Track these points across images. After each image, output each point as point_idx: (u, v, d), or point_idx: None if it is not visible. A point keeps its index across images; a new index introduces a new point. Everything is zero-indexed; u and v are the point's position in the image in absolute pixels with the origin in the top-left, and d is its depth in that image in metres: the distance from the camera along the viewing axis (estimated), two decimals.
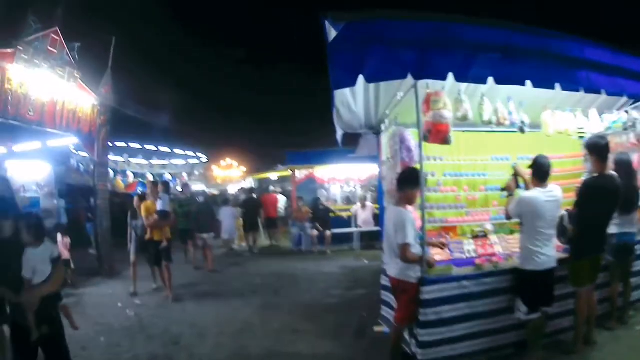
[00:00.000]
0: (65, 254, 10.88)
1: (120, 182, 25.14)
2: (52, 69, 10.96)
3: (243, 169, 40.11)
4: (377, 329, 7.27)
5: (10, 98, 9.70)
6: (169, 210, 9.97)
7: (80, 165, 19.97)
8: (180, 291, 10.69)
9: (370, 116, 8.42)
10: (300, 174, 18.03)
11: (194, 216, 13.17)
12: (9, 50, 9.61)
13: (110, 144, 32.17)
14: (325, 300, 9.36)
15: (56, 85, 11.22)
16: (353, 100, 7.63)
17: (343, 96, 7.28)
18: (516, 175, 6.29)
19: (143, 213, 10.15)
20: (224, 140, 38.11)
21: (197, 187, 34.39)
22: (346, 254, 14.94)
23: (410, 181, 5.80)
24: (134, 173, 29.74)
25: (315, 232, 15.72)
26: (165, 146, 34.61)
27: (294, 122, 37.63)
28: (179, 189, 19.02)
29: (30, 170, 11.14)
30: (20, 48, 9.79)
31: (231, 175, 40.66)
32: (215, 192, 31.25)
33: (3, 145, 12.43)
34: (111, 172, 27.27)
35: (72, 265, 11.33)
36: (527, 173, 6.10)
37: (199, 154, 40.48)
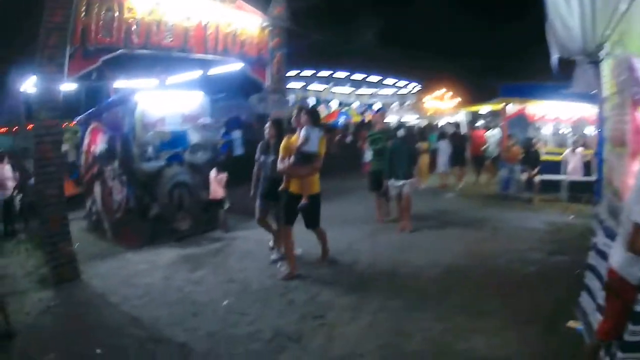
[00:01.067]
0: (219, 192, 9.31)
1: (322, 110, 22.61)
2: None
3: (456, 100, 33.69)
4: (570, 323, 5.00)
5: (135, 27, 8.29)
6: (316, 152, 6.55)
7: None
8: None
9: (587, 36, 5.85)
10: (512, 109, 14.32)
11: (387, 156, 9.26)
12: None
13: (310, 73, 29.77)
14: (521, 268, 7.03)
15: (204, 8, 9.41)
16: (567, 10, 5.57)
17: (556, 4, 5.42)
18: None
19: (280, 151, 6.78)
20: (436, 69, 31.10)
21: (407, 117, 29.93)
22: (552, 205, 11.82)
23: None
24: (339, 102, 26.79)
25: (524, 176, 12.76)
26: (375, 74, 30.45)
27: (510, 49, 29.41)
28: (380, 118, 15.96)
29: (176, 102, 9.39)
30: None
31: (443, 107, 34.26)
32: (422, 124, 26.22)
33: (154, 77, 11.08)
34: (313, 101, 26.22)
35: (226, 205, 9.50)
36: None
37: (411, 84, 35.49)
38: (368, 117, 23.81)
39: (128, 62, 10.69)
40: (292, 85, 25.48)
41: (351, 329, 5.11)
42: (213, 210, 9.48)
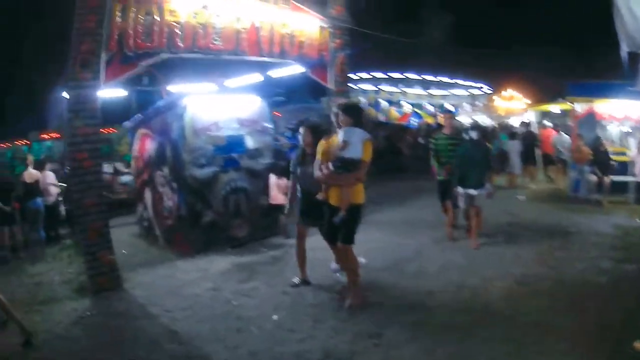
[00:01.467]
0: (279, 199, 8.41)
1: (394, 112, 21.36)
2: None
3: (526, 100, 31.04)
4: (637, 344, 4.32)
5: (178, 30, 7.44)
6: (358, 158, 5.20)
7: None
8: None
9: None
10: (581, 108, 13.07)
11: (457, 162, 7.73)
12: None
13: (384, 75, 27.56)
14: (592, 276, 6.39)
15: (255, 10, 8.43)
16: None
17: None
18: None
19: (319, 155, 5.58)
20: (506, 69, 28.64)
21: (478, 118, 27.64)
22: (620, 207, 10.98)
23: None
24: (411, 104, 25.04)
25: (594, 178, 11.94)
26: (445, 76, 28.33)
27: (581, 48, 25.89)
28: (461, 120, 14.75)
29: (231, 106, 8.73)
30: None
31: (512, 107, 31.74)
32: (494, 124, 24.32)
33: (211, 81, 10.13)
34: (384, 103, 24.85)
35: (286, 210, 8.52)
36: None
37: (481, 85, 32.94)
38: (440, 118, 22.82)
39: (182, 66, 9.94)
40: (363, 86, 24.55)
41: (409, 351, 4.49)
42: (273, 216, 8.85)
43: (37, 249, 9.48)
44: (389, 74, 24.23)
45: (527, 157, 14.34)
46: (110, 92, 9.69)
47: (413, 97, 27.25)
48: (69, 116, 6.58)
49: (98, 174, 6.90)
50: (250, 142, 8.73)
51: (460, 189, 7.61)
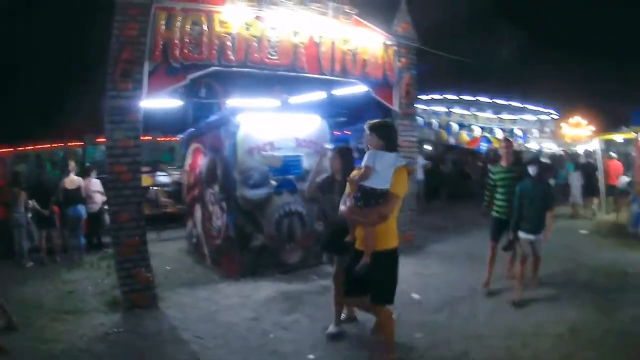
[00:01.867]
0: None
1: (464, 136, 20.18)
2: (302, 5, 7.42)
3: (591, 128, 27.94)
4: None
5: (230, 43, 6.77)
6: (385, 190, 3.97)
7: (419, 118, 15.95)
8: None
9: None
10: None
11: (516, 201, 6.21)
12: None
13: (455, 97, 26.50)
14: None
15: (314, 23, 7.62)
16: None
17: None
18: None
19: (347, 185, 4.32)
20: (575, 94, 25.73)
21: (546, 144, 25.33)
22: None
23: None
24: (481, 127, 23.50)
25: None
26: (516, 100, 26.33)
27: None
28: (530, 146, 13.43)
29: (289, 125, 7.92)
30: None
31: (579, 134, 28.76)
32: (561, 152, 22.07)
33: (274, 97, 9.25)
34: (455, 126, 23.42)
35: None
36: None
37: (550, 111, 30.22)
38: (499, 146, 21.34)
39: (242, 80, 9.22)
40: (435, 108, 23.42)
41: None
42: None
43: (75, 255, 9.14)
44: (461, 96, 22.93)
45: (588, 188, 13.39)
46: (167, 103, 9.16)
47: (483, 121, 25.78)
48: (108, 127, 6.08)
49: (137, 188, 6.35)
50: (307, 164, 7.87)
51: (520, 234, 6.21)
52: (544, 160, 13.81)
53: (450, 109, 23.93)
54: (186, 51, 6.38)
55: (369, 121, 4.15)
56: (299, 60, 7.43)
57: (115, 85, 5.99)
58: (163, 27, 6.24)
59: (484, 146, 20.84)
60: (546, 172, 7.93)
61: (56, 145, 15.52)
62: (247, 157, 7.40)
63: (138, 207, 6.25)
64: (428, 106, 21.60)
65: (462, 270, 7.57)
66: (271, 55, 7.11)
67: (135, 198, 6.26)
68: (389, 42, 8.68)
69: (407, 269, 7.37)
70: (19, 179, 9.48)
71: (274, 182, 7.55)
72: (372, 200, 3.98)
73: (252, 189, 7.40)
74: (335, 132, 22.76)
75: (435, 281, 7.01)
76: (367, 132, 4.12)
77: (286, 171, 7.76)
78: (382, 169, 3.94)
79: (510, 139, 7.41)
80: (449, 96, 23.16)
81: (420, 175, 12.93)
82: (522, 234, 6.20)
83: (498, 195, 6.71)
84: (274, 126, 7.71)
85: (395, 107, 8.95)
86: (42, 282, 7.55)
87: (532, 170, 6.23)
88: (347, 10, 7.91)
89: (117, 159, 6.10)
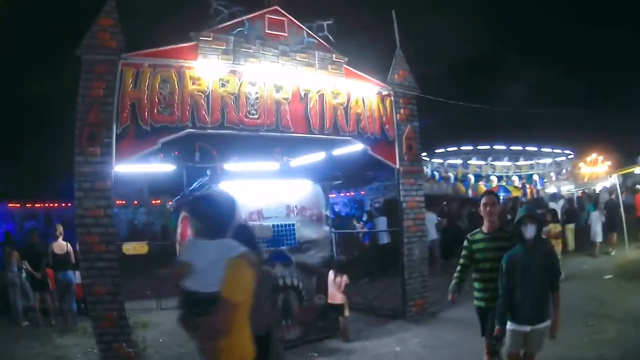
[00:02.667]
0: (337, 297, 7.02)
1: (482, 187, 19.54)
2: (284, 56, 6.88)
3: (607, 163, 27.07)
4: None
5: (204, 102, 6.21)
6: (210, 293, 2.72)
7: (435, 172, 15.50)
8: None
9: None
10: None
11: (503, 278, 4.24)
12: (184, 45, 6.19)
13: (470, 147, 26.01)
14: None
15: (299, 76, 7.03)
16: None
17: None
18: None
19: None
20: (589, 130, 24.23)
21: (564, 187, 24.47)
22: None
23: None
24: (497, 177, 23.00)
25: None
26: (531, 145, 25.61)
27: None
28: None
29: (279, 191, 7.23)
30: (207, 38, 6.22)
31: (597, 171, 27.76)
32: (580, 192, 21.26)
33: (276, 161, 8.64)
34: (472, 178, 22.65)
35: (346, 312, 7.20)
36: None
37: (567, 151, 29.31)
38: (529, 190, 21.45)
39: (238, 142, 8.61)
40: (451, 161, 22.75)
41: None
42: (331, 316, 7.25)
43: (68, 319, 8.68)
44: (477, 146, 22.42)
45: (608, 224, 12.84)
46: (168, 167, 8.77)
47: (500, 170, 25.19)
48: (77, 194, 5.56)
49: (112, 260, 5.75)
50: (302, 233, 7.12)
51: (510, 325, 4.17)
52: (543, 207, 12.98)
53: (467, 161, 23.40)
54: (156, 112, 5.84)
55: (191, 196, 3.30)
56: (283, 118, 6.77)
57: (82, 150, 5.53)
58: (131, 85, 5.76)
59: (502, 196, 19.99)
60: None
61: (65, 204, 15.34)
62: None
63: (114, 280, 5.68)
64: (444, 159, 21.16)
65: (480, 340, 6.52)
66: (251, 114, 6.49)
67: (111, 271, 5.69)
68: (385, 92, 7.97)
69: (418, 340, 6.92)
70: (10, 238, 9.59)
71: (264, 255, 6.73)
72: (197, 309, 2.81)
73: None
74: (331, 195, 22.24)
75: (451, 353, 6.23)
76: (187, 213, 3.17)
77: (278, 242, 6.96)
78: (205, 265, 2.80)
79: (494, 193, 5.30)
80: (465, 147, 22.76)
81: (433, 234, 12.02)
82: (512, 326, 4.16)
83: (478, 275, 4.58)
84: (261, 193, 6.99)
85: (396, 164, 8.04)
86: (33, 344, 7.38)
87: (529, 231, 4.06)
88: (336, 60, 7.29)
89: (87, 228, 5.61)
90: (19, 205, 15.80)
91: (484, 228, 4.56)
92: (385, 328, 7.63)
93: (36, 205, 16.90)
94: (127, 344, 5.77)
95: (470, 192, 20.49)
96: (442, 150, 21.27)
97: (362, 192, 20.49)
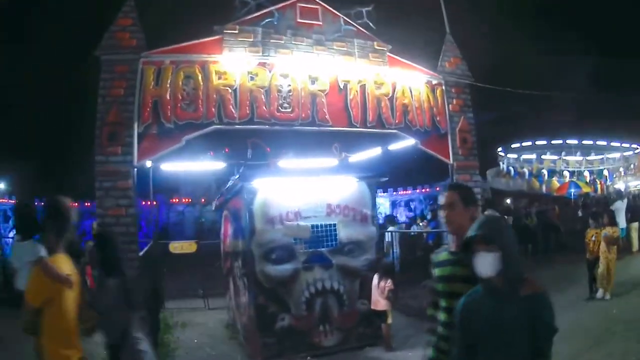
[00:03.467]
0: (380, 303, 6.23)
1: (555, 183, 18.19)
2: (319, 46, 6.27)
3: None
4: None
5: (231, 97, 5.76)
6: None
7: (511, 168, 14.54)
8: None
9: None
10: None
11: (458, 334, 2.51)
12: (208, 40, 5.80)
13: (544, 142, 24.63)
14: None
15: (337, 66, 6.39)
16: None
17: None
18: None
19: None
20: None
21: (633, 182, 22.20)
22: None
23: None
24: (570, 172, 21.29)
25: None
26: (601, 139, 23.30)
27: None
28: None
29: (320, 189, 6.49)
30: (233, 31, 5.81)
31: None
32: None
33: (334, 157, 8.06)
34: (545, 173, 21.27)
35: (389, 320, 6.40)
36: None
37: (634, 145, 26.22)
38: (599, 185, 20.11)
39: (294, 139, 8.12)
40: (526, 156, 21.62)
41: None
42: (374, 323, 6.49)
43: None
44: (552, 141, 21.16)
45: None
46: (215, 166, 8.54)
47: (573, 165, 23.48)
48: (98, 194, 5.34)
49: (132, 260, 5.45)
50: (344, 234, 6.44)
51: None
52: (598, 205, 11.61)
53: (541, 156, 22.12)
54: (180, 109, 5.46)
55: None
56: (320, 111, 6.18)
57: (103, 149, 5.28)
58: (152, 83, 5.42)
59: (574, 192, 18.69)
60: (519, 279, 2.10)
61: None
62: (267, 228, 6.12)
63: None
64: (518, 155, 20.07)
65: None
66: (283, 107, 5.96)
67: (131, 271, 5.26)
68: (435, 82, 7.14)
69: None
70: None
71: (302, 256, 6.23)
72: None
73: (275, 264, 6.09)
74: (406, 192, 21.16)
75: None
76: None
77: (317, 243, 6.34)
78: (22, 266, 2.99)
79: (459, 187, 2.93)
80: (539, 142, 21.48)
81: None
82: None
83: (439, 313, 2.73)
84: (300, 191, 6.37)
85: (450, 159, 7.19)
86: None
87: (481, 264, 2.18)
88: (378, 47, 6.57)
89: (109, 228, 5.26)
90: (76, 204, 16.33)
91: (451, 244, 2.77)
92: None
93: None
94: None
95: (544, 188, 19.34)
96: (518, 145, 19.99)
97: (437, 188, 19.60)
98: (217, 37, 5.76)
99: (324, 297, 6.27)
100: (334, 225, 6.43)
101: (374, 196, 6.96)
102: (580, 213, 14.33)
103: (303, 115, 6.11)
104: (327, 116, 6.25)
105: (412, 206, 19.26)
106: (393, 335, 6.51)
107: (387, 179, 7.30)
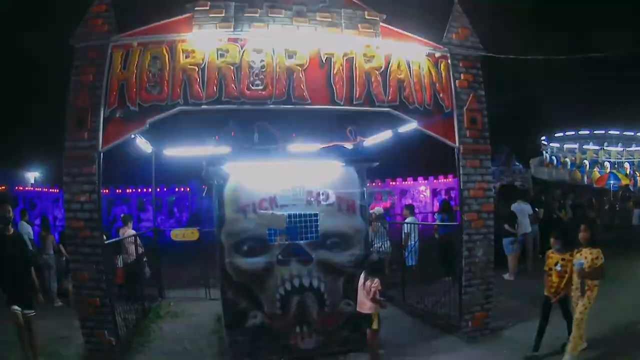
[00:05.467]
0: (365, 305, 5.55)
1: (596, 174, 17.81)
2: (300, 17, 5.82)
3: None
4: None
5: (199, 76, 5.53)
6: None
7: (554, 157, 14.09)
8: None
9: None
10: None
11: None
12: (178, 18, 5.64)
13: (586, 132, 22.21)
14: None
15: (318, 39, 5.92)
16: None
17: None
18: None
19: None
20: None
21: None
22: None
23: None
24: (610, 163, 20.43)
25: None
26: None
27: None
28: None
29: (300, 175, 6.17)
30: (204, 8, 5.57)
31: None
32: None
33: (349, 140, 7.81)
34: (587, 164, 20.50)
35: (374, 325, 5.64)
36: None
37: None
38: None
39: (305, 122, 7.79)
40: (568, 146, 21.03)
41: None
42: (361, 326, 5.83)
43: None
44: (594, 131, 20.54)
45: None
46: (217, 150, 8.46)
47: (615, 156, 22.22)
48: (65, 179, 5.40)
49: (96, 246, 5.47)
50: (327, 225, 5.99)
51: None
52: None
53: (583, 146, 21.22)
54: (145, 91, 5.25)
55: None
56: (297, 88, 5.66)
57: (72, 135, 5.27)
58: (120, 67, 5.28)
59: (614, 184, 17.64)
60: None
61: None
62: (238, 217, 5.76)
63: (98, 267, 5.45)
64: (561, 144, 19.48)
65: None
66: (255, 85, 5.54)
67: (94, 257, 5.42)
68: (438, 54, 6.39)
69: None
70: (46, 223, 9.96)
71: (276, 249, 5.88)
72: None
73: (246, 257, 5.76)
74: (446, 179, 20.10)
75: None
76: None
77: (295, 235, 5.91)
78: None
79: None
80: (582, 132, 20.83)
81: (527, 227, 10.22)
82: None
83: None
84: (277, 177, 5.97)
85: (455, 142, 6.40)
86: (50, 323, 7.08)
87: None
88: (369, 17, 5.94)
89: (74, 213, 5.41)
90: (107, 191, 16.89)
91: None
92: (433, 345, 6.24)
93: (127, 190, 18.00)
94: (109, 332, 5.53)
95: (585, 179, 18.06)
96: (561, 134, 19.12)
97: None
98: (187, 15, 5.47)
99: (302, 295, 5.91)
100: (315, 215, 6.00)
101: (363, 183, 6.34)
102: (617, 207, 12.97)
103: (277, 92, 5.63)
104: (305, 93, 5.72)
105: (453, 195, 18.43)
106: (384, 341, 5.94)
107: (377, 163, 6.69)
